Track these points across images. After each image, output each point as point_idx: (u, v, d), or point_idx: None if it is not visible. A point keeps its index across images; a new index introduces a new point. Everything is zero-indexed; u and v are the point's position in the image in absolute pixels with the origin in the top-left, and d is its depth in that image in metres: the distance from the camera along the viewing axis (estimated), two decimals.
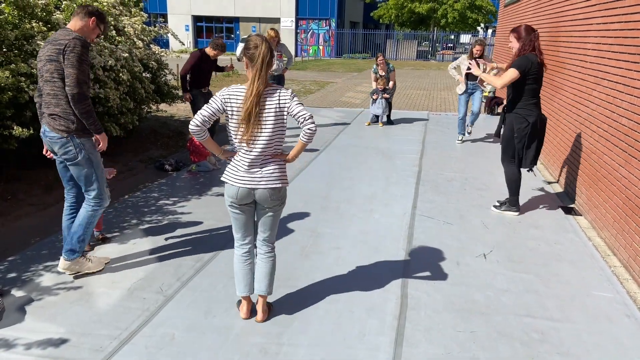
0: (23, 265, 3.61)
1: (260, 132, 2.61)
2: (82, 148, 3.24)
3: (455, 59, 33.38)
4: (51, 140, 3.23)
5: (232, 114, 2.62)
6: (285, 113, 2.64)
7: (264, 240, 2.92)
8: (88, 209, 3.41)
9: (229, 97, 2.61)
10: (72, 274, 3.46)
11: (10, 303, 3.12)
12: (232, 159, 2.73)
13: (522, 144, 4.59)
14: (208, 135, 2.68)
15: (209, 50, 6.49)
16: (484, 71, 5.35)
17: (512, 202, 4.82)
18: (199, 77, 6.54)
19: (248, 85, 2.58)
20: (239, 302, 3.09)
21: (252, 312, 3.03)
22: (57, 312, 3.04)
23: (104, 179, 3.44)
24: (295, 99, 2.67)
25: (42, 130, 3.29)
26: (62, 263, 3.43)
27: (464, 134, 7.93)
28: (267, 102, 2.60)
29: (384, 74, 9.07)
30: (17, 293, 3.25)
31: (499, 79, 4.52)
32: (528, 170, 4.79)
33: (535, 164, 4.70)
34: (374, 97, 9.14)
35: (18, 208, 4.73)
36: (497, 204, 4.92)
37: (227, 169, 2.76)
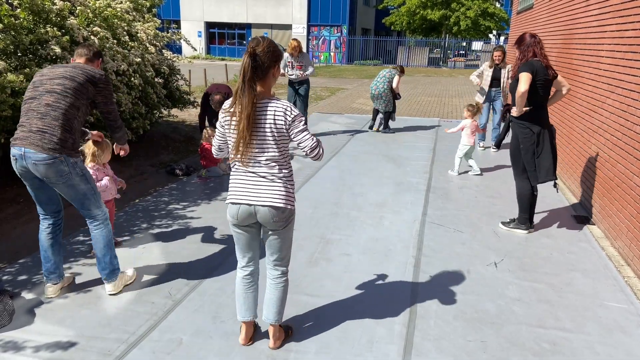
0: (34, 268, 3.63)
1: (255, 151, 2.41)
2: (75, 165, 3.02)
3: (468, 66, 33.40)
4: (38, 163, 2.88)
5: (232, 133, 2.45)
6: (284, 133, 2.40)
7: (273, 263, 2.68)
8: (99, 230, 3.23)
9: (225, 115, 2.47)
10: (119, 291, 3.34)
11: (20, 305, 3.14)
12: (231, 176, 2.54)
13: (531, 155, 4.33)
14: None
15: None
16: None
17: (521, 220, 4.54)
18: (210, 116, 7.06)
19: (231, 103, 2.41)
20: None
21: (253, 339, 2.85)
22: (66, 315, 3.06)
23: (99, 194, 3.26)
24: (296, 121, 2.40)
25: (18, 153, 2.92)
26: (109, 287, 3.29)
27: (484, 140, 7.88)
28: (261, 120, 2.37)
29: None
30: (27, 295, 3.27)
31: (518, 92, 4.16)
32: (554, 186, 4.51)
33: (554, 177, 4.34)
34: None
35: (30, 211, 4.78)
36: (507, 220, 4.68)
37: (229, 187, 2.56)
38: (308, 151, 2.48)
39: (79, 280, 3.48)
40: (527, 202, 4.50)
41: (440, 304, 3.29)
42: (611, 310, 3.27)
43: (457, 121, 10.81)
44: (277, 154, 2.44)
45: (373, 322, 3.06)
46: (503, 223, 4.67)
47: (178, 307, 3.17)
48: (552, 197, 5.51)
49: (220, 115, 2.51)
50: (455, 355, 2.76)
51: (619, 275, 3.77)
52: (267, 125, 2.38)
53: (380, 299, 3.33)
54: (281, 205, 2.46)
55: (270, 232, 2.57)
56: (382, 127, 9.26)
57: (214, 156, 2.64)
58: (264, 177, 2.46)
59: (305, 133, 2.44)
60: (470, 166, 6.49)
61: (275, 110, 2.37)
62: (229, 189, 2.56)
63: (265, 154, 2.42)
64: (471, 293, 3.44)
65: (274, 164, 2.46)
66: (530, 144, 4.30)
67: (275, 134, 2.40)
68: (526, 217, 4.54)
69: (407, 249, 4.12)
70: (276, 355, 2.73)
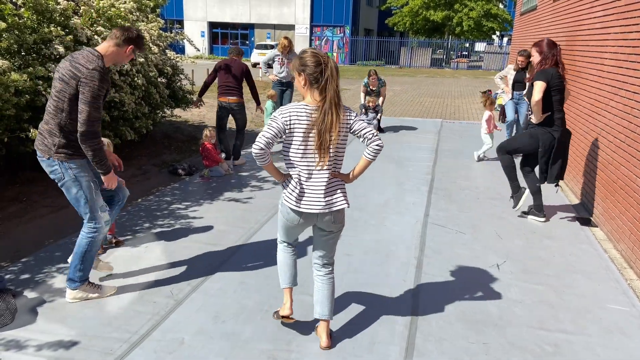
0: (36, 267, 3.64)
1: (332, 155, 2.52)
2: (67, 169, 2.99)
3: (470, 67, 33.38)
4: (39, 159, 3.05)
5: (299, 135, 2.45)
6: (347, 133, 2.55)
7: (324, 261, 2.81)
8: (83, 236, 3.15)
9: (294, 116, 2.44)
10: (78, 300, 3.23)
11: (22, 304, 3.15)
12: (292, 184, 2.55)
13: (547, 159, 4.59)
14: (270, 159, 2.52)
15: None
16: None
17: (514, 189, 4.93)
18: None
19: (322, 110, 2.42)
20: (276, 312, 2.99)
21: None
22: (68, 314, 3.06)
23: (96, 203, 3.13)
24: (357, 116, 2.58)
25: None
26: (67, 294, 3.22)
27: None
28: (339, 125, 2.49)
29: (374, 88, 9.30)
30: (30, 294, 3.28)
31: (533, 100, 4.44)
32: (555, 186, 4.78)
33: (562, 178, 4.67)
34: (363, 110, 9.29)
35: (32, 210, 4.79)
36: (513, 205, 5.00)
37: (288, 194, 2.57)
38: (375, 134, 2.59)
39: None
40: (513, 171, 4.93)
41: (442, 305, 3.29)
42: (613, 312, 3.27)
43: (459, 122, 10.82)
44: (343, 153, 2.59)
45: (374, 322, 3.06)
46: (514, 207, 4.97)
47: (180, 307, 3.18)
48: (554, 198, 5.50)
49: (292, 114, 2.44)
50: (457, 357, 2.76)
51: (621, 278, 3.76)
52: (344, 128, 2.53)
53: (382, 299, 3.33)
54: (344, 206, 2.61)
55: (327, 233, 2.69)
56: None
57: (254, 154, 2.45)
58: (330, 179, 2.57)
59: (366, 124, 2.61)
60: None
61: (347, 112, 2.55)
62: (290, 193, 2.56)
63: (338, 155, 2.57)
64: (473, 294, 3.43)
65: (339, 163, 2.62)
66: (549, 149, 4.55)
67: (346, 134, 2.57)
68: (516, 185, 4.92)
69: (409, 250, 4.12)
70: (277, 354, 2.73)
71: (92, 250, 3.17)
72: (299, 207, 2.54)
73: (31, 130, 4.65)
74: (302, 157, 2.49)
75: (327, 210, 2.55)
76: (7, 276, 3.49)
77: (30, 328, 2.91)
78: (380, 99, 9.37)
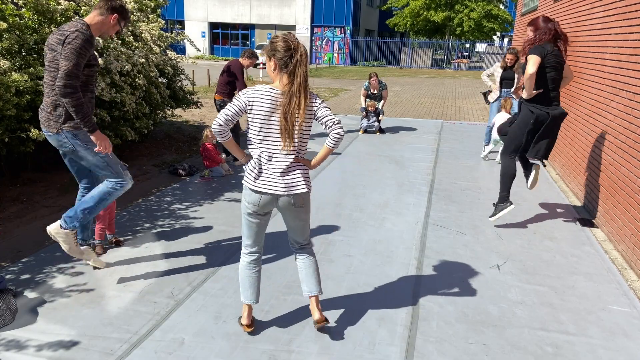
0: (37, 267, 3.64)
1: (295, 140, 2.57)
2: (76, 138, 3.11)
3: (471, 67, 33.35)
4: (47, 135, 3.16)
5: (260, 118, 2.52)
6: (312, 118, 2.61)
7: (298, 244, 2.88)
8: (107, 185, 3.25)
9: (257, 98, 2.51)
10: (57, 242, 3.27)
11: (22, 304, 3.15)
12: (251, 164, 2.63)
13: (532, 135, 4.38)
14: (230, 136, 2.60)
15: (243, 61, 6.56)
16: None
17: (501, 199, 4.66)
18: (232, 87, 6.67)
19: (288, 93, 2.48)
20: (240, 318, 2.96)
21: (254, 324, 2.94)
22: (68, 314, 3.06)
23: (115, 162, 3.25)
24: (322, 102, 2.64)
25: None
26: (53, 225, 3.23)
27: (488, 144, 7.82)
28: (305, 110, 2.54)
29: (375, 92, 9.29)
30: (30, 294, 3.28)
31: (526, 74, 4.21)
32: (540, 160, 4.59)
33: (546, 158, 4.50)
34: (364, 114, 9.26)
35: (33, 210, 4.79)
36: (491, 213, 4.76)
37: (247, 174, 2.64)
38: (336, 121, 2.60)
39: (81, 280, 3.49)
40: (510, 181, 4.64)
41: (443, 306, 3.28)
42: (614, 313, 3.26)
43: (460, 122, 10.81)
44: (307, 138, 2.63)
45: (375, 323, 3.06)
46: (491, 216, 4.74)
47: (180, 307, 3.18)
48: (555, 199, 5.50)
49: (256, 95, 2.52)
50: (457, 358, 2.76)
51: (622, 279, 3.75)
52: (309, 113, 2.59)
53: (382, 300, 3.33)
54: (304, 190, 2.63)
55: (292, 216, 2.72)
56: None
57: (212, 129, 2.54)
58: (291, 162, 2.59)
59: (330, 111, 2.65)
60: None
61: (313, 98, 2.60)
62: (249, 173, 2.63)
63: (301, 140, 2.60)
64: (473, 295, 3.43)
65: (303, 148, 2.64)
66: (539, 126, 4.35)
67: (310, 119, 2.61)
68: (506, 195, 4.66)
69: (409, 251, 4.12)
70: (277, 355, 2.73)
71: (108, 200, 3.28)
72: (257, 187, 2.59)
73: (32, 130, 4.65)
74: (262, 140, 2.56)
75: (285, 193, 2.59)
76: (8, 276, 3.49)
77: (31, 328, 2.91)
78: (382, 102, 9.36)
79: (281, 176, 2.58)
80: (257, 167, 2.60)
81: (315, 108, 2.60)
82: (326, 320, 2.89)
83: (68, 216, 3.24)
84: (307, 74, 2.50)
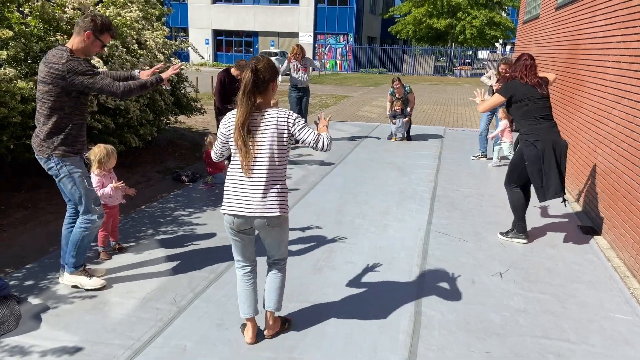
0: (40, 273, 3.66)
1: (256, 159, 2.57)
2: (63, 165, 3.20)
3: (473, 74, 33.40)
4: (37, 158, 3.25)
5: (231, 140, 2.63)
6: (285, 137, 2.58)
7: (271, 259, 2.88)
8: (78, 227, 3.35)
9: (229, 123, 2.63)
10: (69, 284, 3.46)
11: (26, 310, 3.17)
12: (227, 186, 2.68)
13: (537, 172, 4.22)
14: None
15: (233, 71, 6.61)
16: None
17: (519, 229, 4.52)
18: (225, 95, 6.63)
19: (238, 107, 2.56)
20: (243, 325, 2.97)
21: (258, 336, 2.93)
22: (72, 320, 3.08)
23: (90, 196, 3.32)
24: (298, 122, 2.61)
25: None
26: (65, 277, 3.46)
27: (483, 152, 7.83)
28: (260, 128, 2.55)
29: (400, 96, 9.06)
30: (34, 301, 3.30)
31: (479, 106, 4.72)
32: (562, 202, 4.49)
33: (563, 192, 4.23)
34: (394, 121, 9.10)
35: (38, 216, 4.82)
36: (504, 231, 4.64)
37: (224, 195, 2.69)
38: (315, 142, 2.67)
39: None
40: (523, 210, 4.54)
41: (444, 314, 3.28)
42: (616, 322, 3.26)
43: (462, 129, 10.83)
44: (279, 158, 2.61)
45: (377, 331, 3.06)
46: (502, 233, 4.64)
47: (183, 313, 3.19)
48: (557, 207, 5.50)
49: (223, 122, 2.67)
50: None
51: (624, 287, 3.75)
52: (270, 132, 2.56)
53: (384, 307, 3.33)
54: (277, 214, 2.61)
55: (266, 235, 2.74)
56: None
57: (214, 160, 2.80)
58: (261, 183, 2.59)
59: (308, 131, 2.65)
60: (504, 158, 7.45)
61: (277, 115, 2.58)
62: (225, 195, 2.69)
63: (264, 159, 2.58)
64: (475, 303, 3.43)
65: (273, 169, 2.60)
66: (535, 160, 4.22)
67: (278, 139, 2.57)
68: (523, 226, 4.53)
69: (411, 258, 4.12)
70: None
71: (85, 240, 3.38)
72: (229, 210, 2.63)
73: None
74: (235, 162, 2.65)
75: (257, 215, 2.59)
76: (12, 282, 3.51)
77: (34, 334, 2.92)
78: (409, 107, 9.10)
79: (254, 198, 2.58)
80: (230, 189, 2.66)
81: (291, 127, 2.59)
82: (272, 337, 2.94)
83: (66, 263, 3.44)
84: (251, 88, 2.51)
